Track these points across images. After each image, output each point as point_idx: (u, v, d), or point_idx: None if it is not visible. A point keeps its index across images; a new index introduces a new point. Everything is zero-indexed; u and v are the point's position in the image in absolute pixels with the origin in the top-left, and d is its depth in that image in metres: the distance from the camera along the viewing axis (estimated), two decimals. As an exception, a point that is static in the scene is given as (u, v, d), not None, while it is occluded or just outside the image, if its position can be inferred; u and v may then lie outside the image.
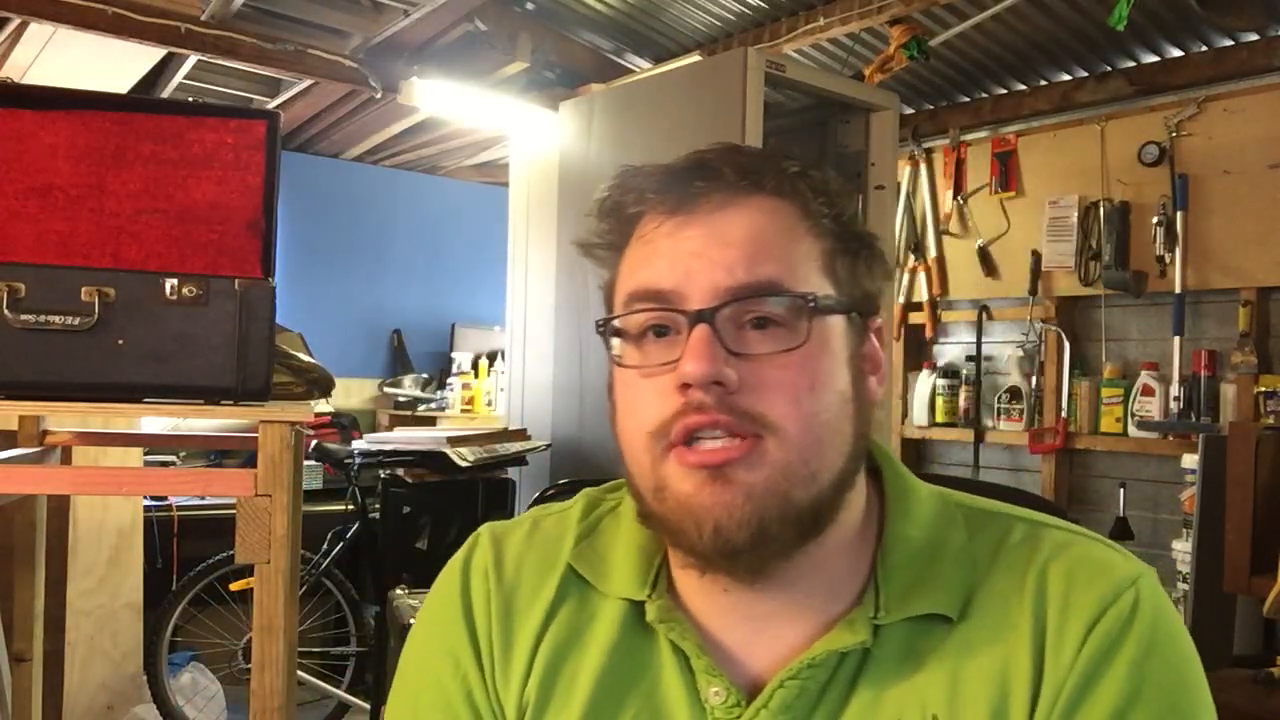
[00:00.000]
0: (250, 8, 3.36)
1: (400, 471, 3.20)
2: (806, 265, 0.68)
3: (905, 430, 3.97)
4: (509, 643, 0.73)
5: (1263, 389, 3.04)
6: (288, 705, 1.49)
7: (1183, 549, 2.93)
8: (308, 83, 3.88)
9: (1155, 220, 3.26)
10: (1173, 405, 3.22)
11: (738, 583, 0.68)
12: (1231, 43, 3.15)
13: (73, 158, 1.49)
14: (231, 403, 1.49)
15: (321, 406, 3.26)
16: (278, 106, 4.14)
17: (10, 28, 3.20)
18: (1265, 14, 2.87)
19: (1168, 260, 3.25)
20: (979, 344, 3.78)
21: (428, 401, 4.92)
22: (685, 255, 0.67)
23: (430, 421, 4.69)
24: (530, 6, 3.68)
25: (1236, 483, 2.19)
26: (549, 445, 3.20)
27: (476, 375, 4.93)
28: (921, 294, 3.91)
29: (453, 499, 3.18)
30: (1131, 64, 3.37)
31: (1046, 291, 3.57)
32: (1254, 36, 3.09)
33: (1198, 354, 3.19)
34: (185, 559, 3.34)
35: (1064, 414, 3.49)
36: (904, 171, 3.89)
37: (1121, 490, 3.33)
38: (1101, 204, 3.41)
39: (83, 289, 1.43)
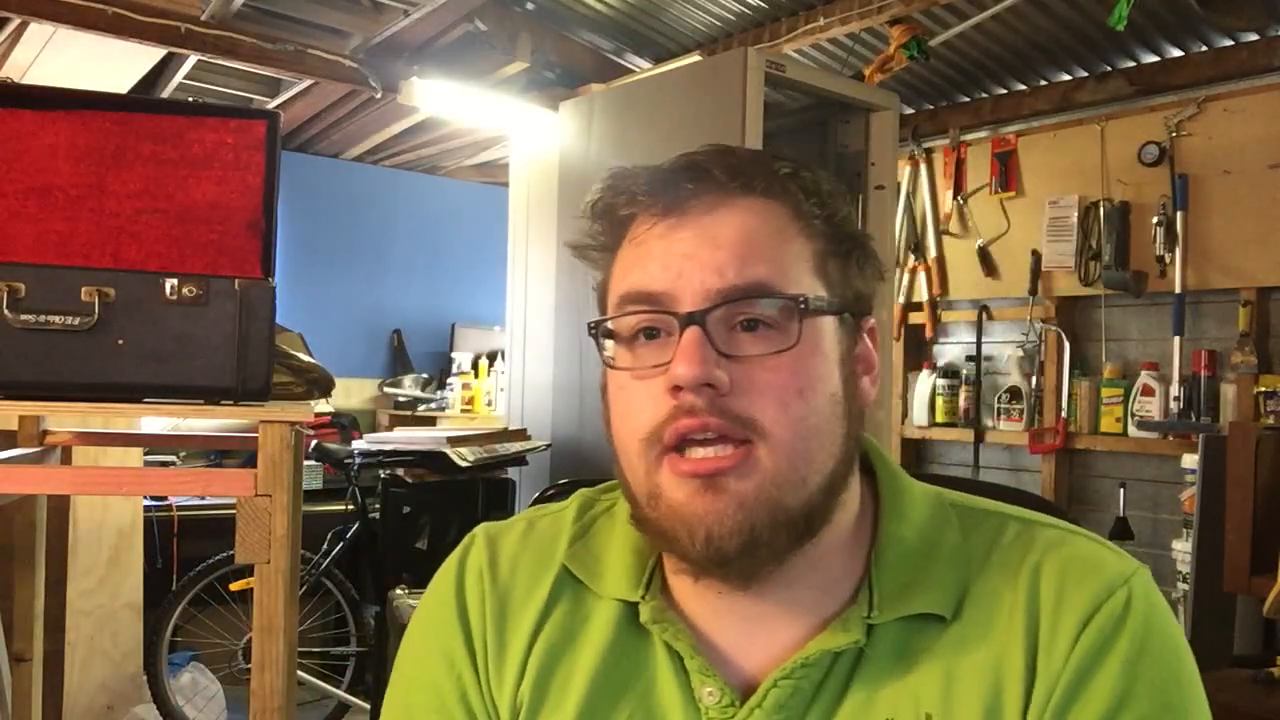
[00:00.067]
0: (250, 8, 3.36)
1: (400, 471, 3.20)
2: (798, 266, 0.68)
3: (905, 430, 3.97)
4: (503, 643, 0.74)
5: (1263, 389, 3.04)
6: (288, 705, 1.49)
7: (1183, 549, 2.93)
8: (308, 83, 3.88)
9: (1155, 220, 3.26)
10: (1173, 405, 3.22)
11: (731, 588, 0.68)
12: (1231, 43, 3.15)
13: (73, 158, 1.49)
14: (231, 403, 1.49)
15: (321, 406, 3.26)
16: (278, 106, 4.14)
17: (10, 28, 3.20)
18: (1265, 14, 2.87)
19: (1168, 260, 3.25)
20: (979, 344, 3.78)
21: (428, 401, 4.92)
22: (677, 257, 0.67)
23: (430, 421, 4.69)
24: (530, 6, 3.68)
25: (1236, 483, 2.19)
26: (549, 445, 3.20)
27: (476, 375, 4.93)
28: (921, 294, 3.91)
29: (453, 499, 3.18)
30: (1131, 64, 3.37)
31: (1046, 291, 3.57)
32: (1254, 36, 3.09)
33: (1198, 354, 3.19)
34: (185, 559, 3.34)
35: (1064, 414, 3.49)
36: (904, 171, 3.89)
37: (1121, 490, 3.33)
38: (1101, 204, 3.41)
39: (83, 289, 1.43)
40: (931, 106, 3.92)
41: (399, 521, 3.22)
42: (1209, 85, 3.20)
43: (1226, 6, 2.78)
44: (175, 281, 1.46)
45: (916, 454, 4.02)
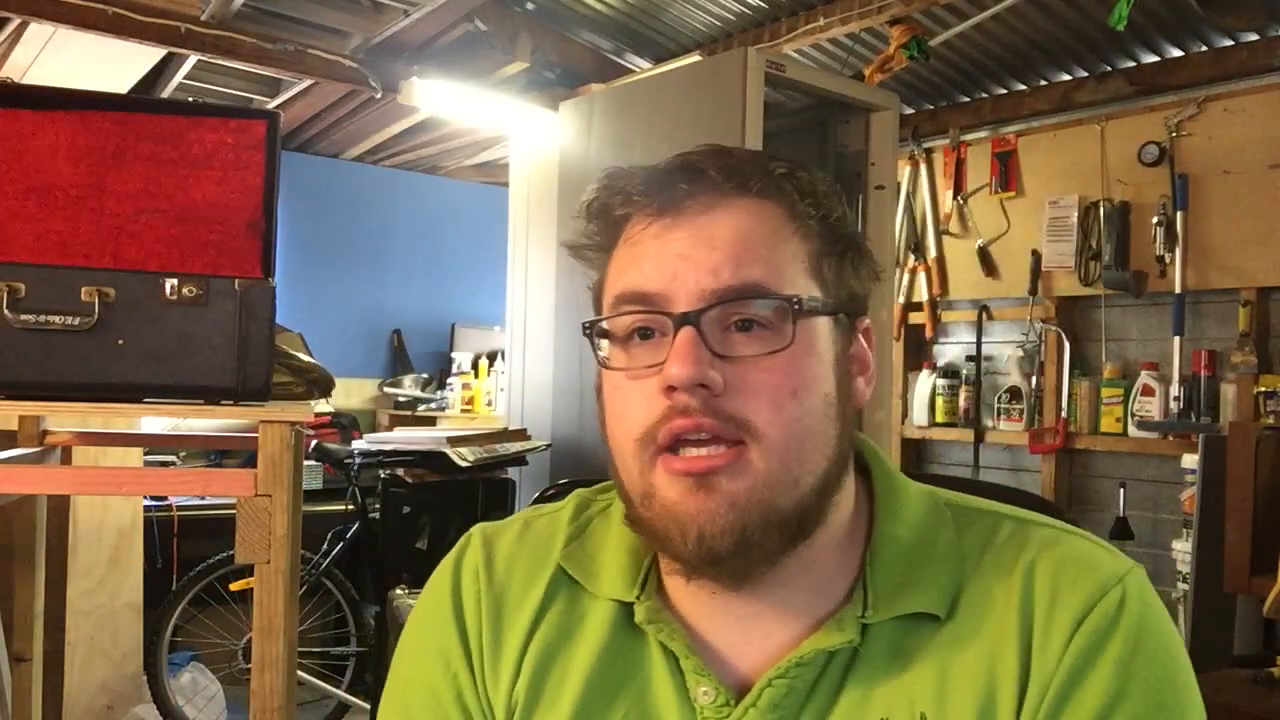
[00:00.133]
0: (250, 8, 3.36)
1: (400, 471, 3.20)
2: (793, 267, 0.68)
3: (905, 430, 3.97)
4: (498, 642, 0.74)
5: (1263, 389, 3.04)
6: (288, 705, 1.49)
7: (1183, 549, 2.93)
8: (308, 83, 3.88)
9: (1155, 220, 3.26)
10: (1173, 405, 3.22)
11: (724, 588, 0.69)
12: (1231, 43, 3.15)
13: (73, 158, 1.49)
14: (231, 403, 1.49)
15: (321, 406, 3.26)
16: (278, 106, 4.14)
17: (10, 28, 3.20)
18: (1265, 14, 2.87)
19: (1168, 260, 3.25)
20: (979, 344, 3.78)
21: (428, 401, 4.92)
22: (672, 257, 0.67)
23: (430, 421, 4.69)
24: (530, 6, 3.68)
25: (1236, 483, 2.19)
26: (549, 445, 3.20)
27: (476, 375, 4.93)
28: (921, 294, 3.91)
29: (453, 499, 3.18)
30: (1131, 64, 3.37)
31: (1046, 291, 3.57)
32: (1254, 36, 3.09)
33: (1198, 354, 3.19)
34: (185, 559, 3.34)
35: (1064, 414, 3.49)
36: (904, 171, 3.89)
37: (1121, 490, 3.33)
38: (1101, 204, 3.41)
39: (83, 289, 1.43)
40: (931, 106, 3.92)
41: (399, 521, 3.22)
42: (1209, 85, 3.20)
43: (1226, 6, 2.78)
44: (175, 281, 1.46)
45: (916, 454, 4.02)
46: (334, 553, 3.35)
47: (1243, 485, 2.17)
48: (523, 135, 3.61)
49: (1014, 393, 3.65)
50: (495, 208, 4.18)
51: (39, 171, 1.48)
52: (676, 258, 0.67)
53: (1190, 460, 2.81)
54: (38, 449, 1.87)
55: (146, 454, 3.41)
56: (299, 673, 2.61)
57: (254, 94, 4.17)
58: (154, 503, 3.37)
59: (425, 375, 5.07)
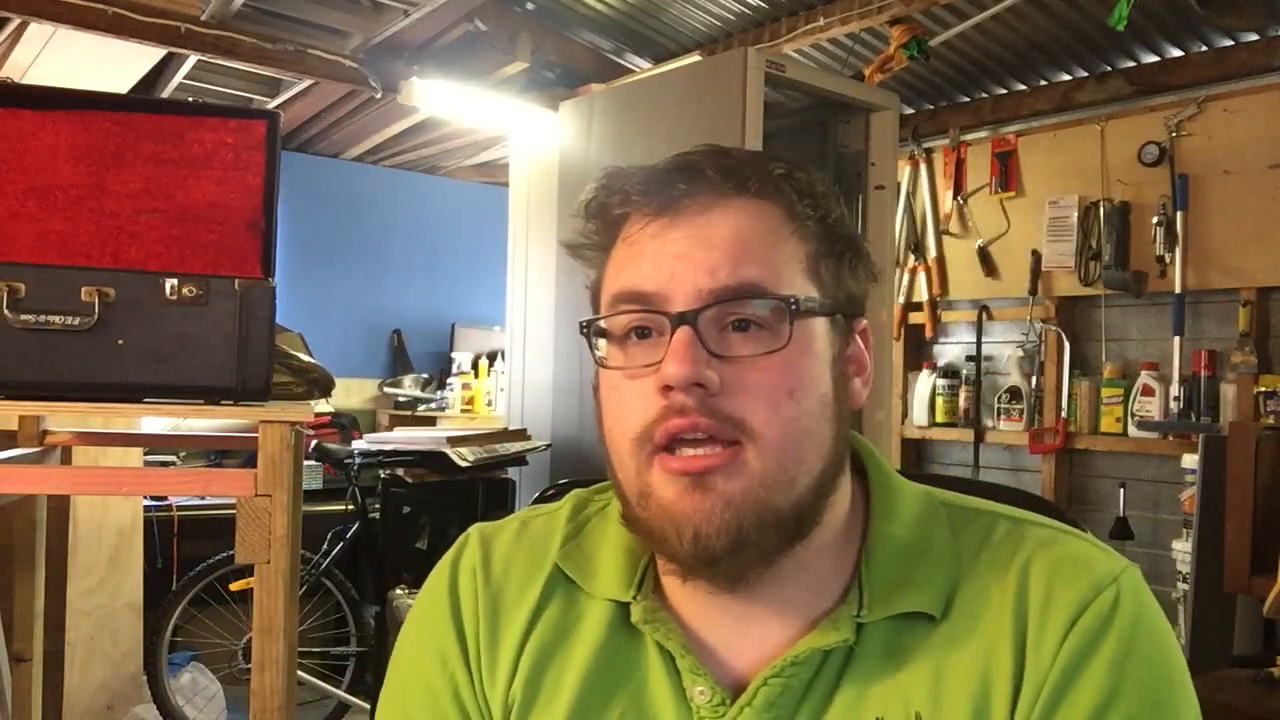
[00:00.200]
0: (250, 8, 3.36)
1: (400, 471, 3.20)
2: (790, 267, 0.68)
3: (905, 430, 3.97)
4: (495, 642, 0.74)
5: (1263, 389, 3.04)
6: (288, 705, 1.49)
7: (1183, 549, 2.93)
8: (308, 83, 3.88)
9: (1155, 220, 3.26)
10: (1173, 405, 3.22)
11: (720, 589, 0.69)
12: (1231, 43, 3.15)
13: (73, 158, 1.49)
14: (231, 403, 1.49)
15: (321, 406, 3.26)
16: (278, 106, 4.14)
17: (10, 28, 3.20)
18: (1265, 14, 2.87)
19: (1168, 260, 3.25)
20: (979, 344, 3.78)
21: (428, 401, 4.93)
22: (669, 257, 0.67)
23: (430, 421, 4.69)
24: (530, 6, 3.68)
25: (1236, 483, 2.19)
26: (549, 445, 3.20)
27: (476, 375, 4.94)
28: (921, 294, 3.91)
29: (453, 499, 3.18)
30: (1131, 64, 3.37)
31: (1046, 291, 3.57)
32: (1254, 36, 3.09)
33: (1198, 354, 3.19)
34: (185, 559, 3.34)
35: (1064, 414, 3.49)
36: (904, 171, 3.89)
37: (1121, 490, 3.33)
38: (1101, 204, 3.41)
39: (83, 289, 1.43)
40: (931, 106, 3.92)
41: (399, 521, 3.22)
42: (1209, 85, 3.20)
43: (1226, 6, 2.78)
44: (175, 281, 1.46)
45: (916, 454, 4.02)
46: (334, 553, 3.35)
47: (1243, 485, 2.17)
48: (523, 135, 3.61)
49: (1014, 393, 3.65)
50: (495, 208, 4.18)
51: (39, 171, 1.48)
52: (674, 257, 0.67)
53: (1190, 460, 2.81)
54: (38, 449, 1.87)
55: (146, 454, 3.41)
56: (299, 673, 2.61)
57: (254, 94, 4.17)
58: (154, 503, 3.37)
59: (425, 375, 5.08)
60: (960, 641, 0.67)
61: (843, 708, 0.67)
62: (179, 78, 3.76)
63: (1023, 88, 3.65)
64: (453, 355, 5.08)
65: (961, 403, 3.82)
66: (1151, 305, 3.37)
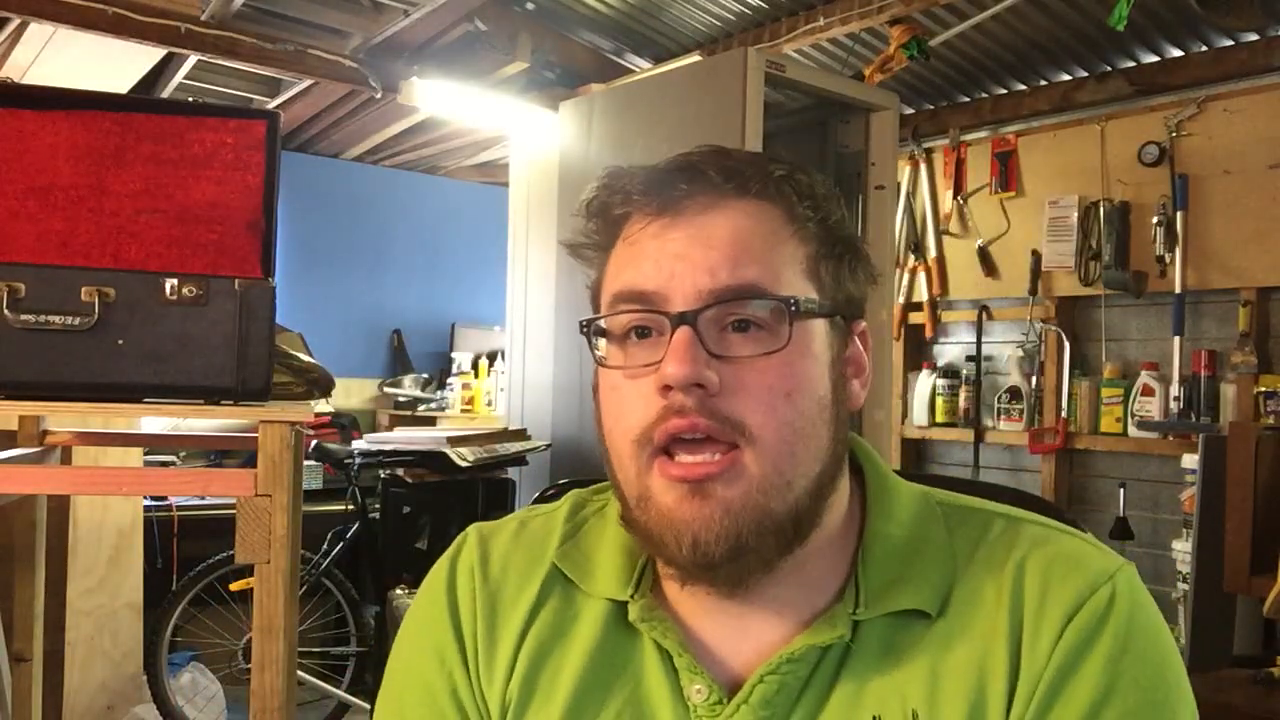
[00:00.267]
0: (250, 8, 3.36)
1: (400, 471, 3.20)
2: (790, 269, 0.68)
3: (905, 430, 3.97)
4: (493, 640, 0.74)
5: (1263, 389, 3.04)
6: (288, 705, 1.49)
7: (1183, 549, 2.93)
8: (308, 83, 3.88)
9: (1155, 220, 3.26)
10: (1173, 405, 3.22)
11: (719, 594, 0.69)
12: (1231, 43, 3.15)
13: (73, 158, 1.49)
14: (231, 403, 1.49)
15: (321, 406, 3.26)
16: (278, 106, 4.14)
17: (10, 28, 3.20)
18: (1265, 14, 2.87)
19: (1168, 260, 3.25)
20: (979, 344, 3.78)
21: (428, 401, 4.93)
22: (670, 257, 0.67)
23: (430, 421, 4.69)
24: (530, 6, 3.68)
25: (1236, 483, 2.19)
26: (549, 445, 3.20)
27: (476, 375, 4.94)
28: (921, 294, 3.91)
29: (453, 499, 3.18)
30: (1131, 64, 3.37)
31: (1046, 291, 3.57)
32: (1254, 36, 3.09)
33: (1198, 354, 3.19)
34: (185, 559, 3.34)
35: (1064, 414, 3.49)
36: (904, 171, 3.89)
37: (1121, 490, 3.33)
38: (1101, 204, 3.41)
39: (83, 289, 1.43)
40: (931, 106, 3.92)
41: (399, 521, 3.23)
42: (1209, 85, 3.20)
43: (1226, 6, 2.78)
44: (175, 281, 1.46)
45: (916, 454, 4.02)
46: (334, 553, 3.35)
47: (1243, 485, 2.17)
48: (523, 135, 3.61)
49: (1014, 393, 3.65)
50: (495, 208, 4.18)
51: (39, 171, 1.48)
52: (674, 257, 0.67)
53: (1190, 460, 2.81)
54: (38, 449, 1.87)
55: (146, 454, 3.41)
56: (299, 673, 2.61)
57: (254, 94, 4.17)
58: (154, 503, 3.37)
59: (425, 375, 5.08)
60: (956, 639, 0.67)
61: (839, 705, 0.67)
62: (179, 78, 3.77)
63: (1023, 88, 3.65)
64: (453, 355, 5.08)
65: (961, 403, 3.82)
66: (1151, 305, 3.37)
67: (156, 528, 3.35)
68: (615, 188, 0.71)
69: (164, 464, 3.65)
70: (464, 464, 2.97)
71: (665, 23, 3.68)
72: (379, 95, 3.75)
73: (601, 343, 0.71)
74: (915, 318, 3.95)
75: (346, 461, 3.23)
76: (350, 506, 3.35)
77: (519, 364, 3.46)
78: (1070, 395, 3.49)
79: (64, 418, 2.01)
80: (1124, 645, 0.65)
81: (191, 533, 3.43)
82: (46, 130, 1.49)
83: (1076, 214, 3.47)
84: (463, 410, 4.83)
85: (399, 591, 3.16)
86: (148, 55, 3.42)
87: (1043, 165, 3.60)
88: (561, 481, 0.93)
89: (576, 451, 3.13)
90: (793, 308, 0.66)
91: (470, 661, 0.74)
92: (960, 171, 3.80)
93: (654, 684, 0.70)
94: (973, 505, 0.74)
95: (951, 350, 3.96)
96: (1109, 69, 3.41)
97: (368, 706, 3.24)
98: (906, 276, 3.93)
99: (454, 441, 3.03)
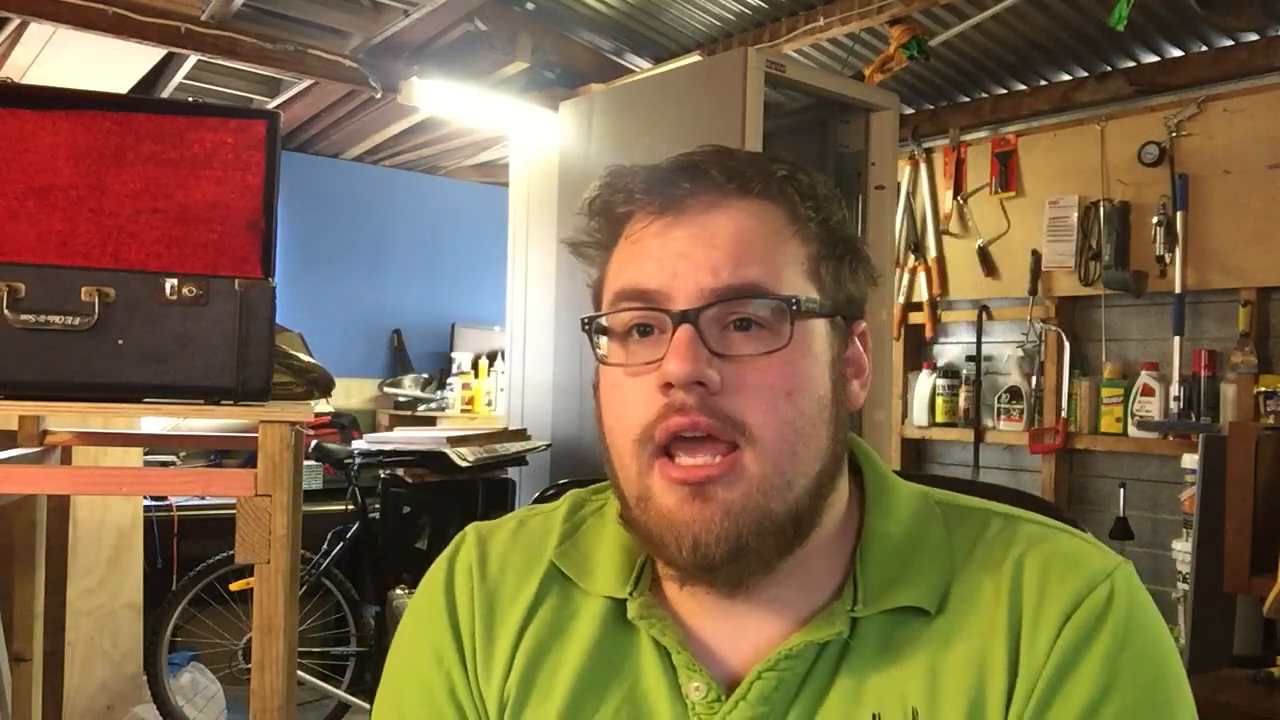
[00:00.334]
0: (250, 8, 3.36)
1: (400, 471, 3.20)
2: (791, 268, 0.68)
3: (905, 430, 3.97)
4: (491, 639, 0.74)
5: (1263, 389, 3.04)
6: (288, 705, 1.49)
7: (1183, 549, 2.93)
8: (308, 83, 3.88)
9: (1155, 220, 3.26)
10: (1173, 405, 3.22)
11: (718, 595, 0.69)
12: (1231, 43, 3.15)
13: (73, 158, 1.49)
14: (231, 403, 1.49)
15: (321, 406, 3.26)
16: (278, 106, 4.14)
17: (10, 28, 3.20)
18: (1265, 14, 2.87)
19: (1168, 260, 3.25)
20: (979, 344, 3.78)
21: (428, 401, 4.93)
22: (672, 256, 0.67)
23: (430, 421, 4.69)
24: (530, 6, 3.68)
25: (1236, 483, 2.19)
26: (549, 445, 3.20)
27: (476, 375, 4.94)
28: (921, 294, 3.91)
29: (453, 499, 3.18)
30: (1131, 64, 3.37)
31: (1046, 291, 3.57)
32: (1254, 36, 3.09)
33: (1198, 354, 3.19)
34: (185, 559, 3.34)
35: (1064, 414, 3.49)
36: (904, 171, 3.89)
37: (1121, 490, 3.33)
38: (1101, 204, 3.41)
39: (83, 289, 1.43)
40: (931, 106, 3.92)
41: (399, 521, 3.23)
42: (1209, 85, 3.20)
43: (1226, 6, 2.78)
44: (175, 281, 1.46)
45: (916, 454, 4.02)
46: (334, 553, 3.34)
47: (1243, 485, 2.17)
48: (523, 135, 3.61)
49: (1014, 393, 3.65)
50: (495, 208, 4.18)
51: (39, 171, 1.48)
52: (676, 256, 0.67)
53: (1190, 460, 2.81)
54: (38, 449, 1.87)
55: (146, 454, 3.41)
56: (299, 673, 2.61)
57: (254, 94, 4.17)
58: (154, 503, 3.37)
59: (425, 375, 5.08)
60: (955, 637, 0.67)
61: (838, 702, 0.67)
62: (179, 78, 3.77)
63: (1023, 88, 3.65)
64: (453, 355, 5.08)
65: (961, 403, 3.82)
66: (1151, 305, 3.37)
67: (156, 528, 3.35)
68: (618, 186, 0.71)
69: (164, 464, 3.65)
70: (464, 464, 2.97)
71: (665, 23, 3.68)
72: (379, 95, 3.75)
73: (603, 340, 0.71)
74: (915, 318, 3.95)
75: (346, 461, 3.23)
76: (350, 506, 3.35)
77: (519, 364, 3.46)
78: (1070, 395, 3.49)
79: (64, 418, 2.01)
80: (1122, 643, 0.65)
81: (191, 533, 3.43)
82: (46, 130, 1.49)
83: (1076, 214, 3.47)
84: (463, 410, 4.83)
85: (399, 591, 3.16)
86: (148, 55, 3.42)
87: (1043, 165, 3.60)
88: (561, 481, 0.93)
89: (576, 451, 3.13)
90: (794, 307, 0.66)
91: (468, 660, 0.75)
92: (960, 171, 3.80)
93: (652, 681, 0.70)
94: (971, 504, 0.75)
95: (951, 350, 3.96)
96: (1109, 69, 3.41)
97: (368, 706, 3.23)
98: (906, 276, 3.93)
99: (454, 441, 3.03)
